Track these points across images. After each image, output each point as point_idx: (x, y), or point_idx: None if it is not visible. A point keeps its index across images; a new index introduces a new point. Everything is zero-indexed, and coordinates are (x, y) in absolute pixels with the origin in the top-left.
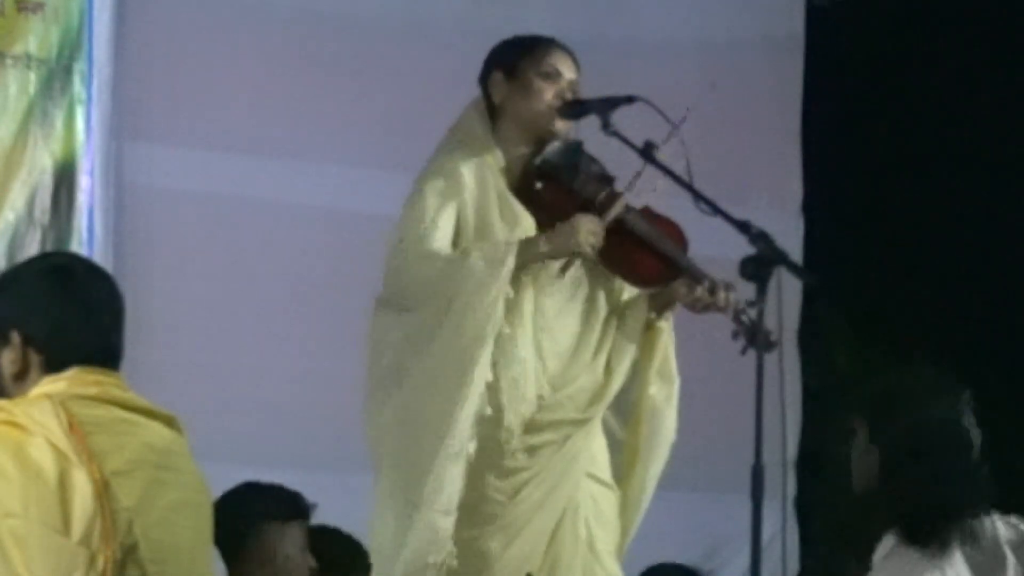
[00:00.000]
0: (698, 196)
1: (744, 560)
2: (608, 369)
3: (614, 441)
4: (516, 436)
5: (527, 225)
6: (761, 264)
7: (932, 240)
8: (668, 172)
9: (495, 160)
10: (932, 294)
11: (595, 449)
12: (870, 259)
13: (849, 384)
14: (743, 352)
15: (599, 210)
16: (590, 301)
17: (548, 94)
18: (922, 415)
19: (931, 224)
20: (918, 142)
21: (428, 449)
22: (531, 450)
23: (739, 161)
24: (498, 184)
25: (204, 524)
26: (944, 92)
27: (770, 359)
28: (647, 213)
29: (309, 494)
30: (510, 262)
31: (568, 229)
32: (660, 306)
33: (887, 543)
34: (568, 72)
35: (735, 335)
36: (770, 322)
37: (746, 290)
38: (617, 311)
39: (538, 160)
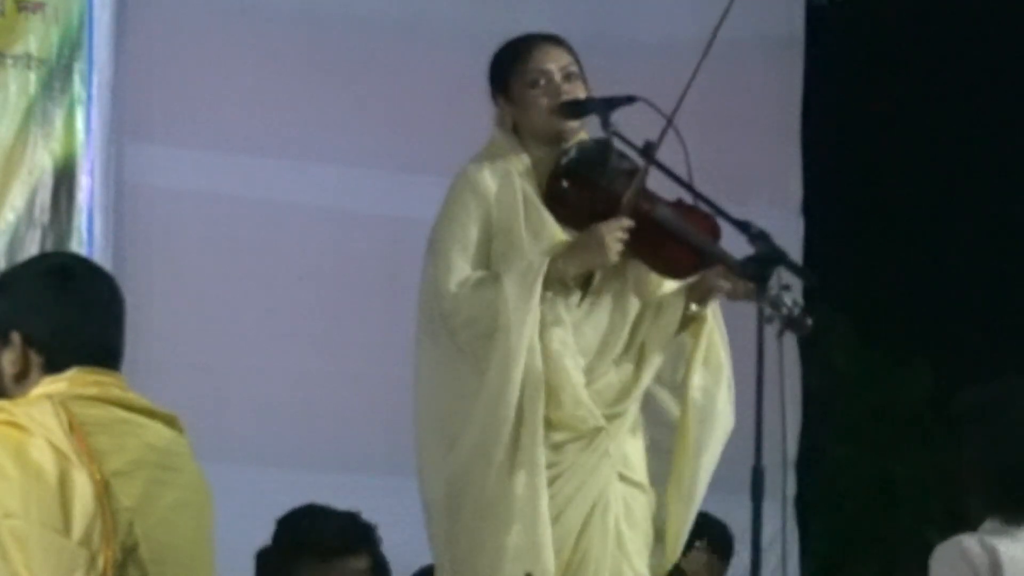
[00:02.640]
0: (698, 196)
1: (744, 560)
2: (639, 363)
3: (670, 425)
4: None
5: (552, 231)
6: (761, 264)
7: (932, 240)
8: (668, 172)
9: (520, 162)
10: (932, 294)
11: (628, 450)
12: (870, 259)
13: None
14: (779, 335)
15: (626, 206)
16: (618, 298)
17: (541, 101)
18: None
19: (931, 224)
20: (918, 142)
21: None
22: (556, 447)
23: (739, 161)
24: (524, 186)
25: (205, 524)
26: (944, 92)
27: (770, 360)
28: (678, 205)
29: (309, 494)
30: (539, 288)
31: (594, 243)
32: (700, 295)
33: (985, 527)
34: (553, 63)
35: (769, 319)
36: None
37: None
38: (653, 305)
39: (564, 159)
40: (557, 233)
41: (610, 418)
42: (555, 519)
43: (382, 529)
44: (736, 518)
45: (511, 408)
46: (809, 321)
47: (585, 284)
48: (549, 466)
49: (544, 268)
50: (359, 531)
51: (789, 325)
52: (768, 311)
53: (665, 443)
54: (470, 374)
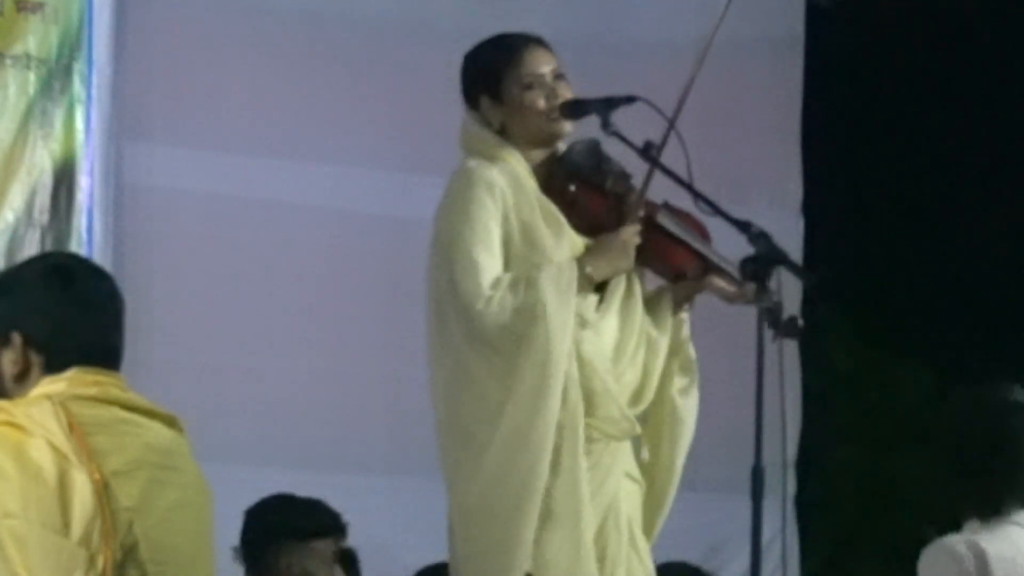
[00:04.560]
0: (698, 196)
1: (744, 560)
2: (646, 365)
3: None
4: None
5: (569, 232)
6: (761, 264)
7: (932, 239)
8: (668, 172)
9: (520, 164)
10: (932, 293)
11: (628, 447)
12: (870, 259)
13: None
14: (774, 340)
15: (630, 209)
16: (625, 301)
17: (539, 102)
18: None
19: (931, 224)
20: (918, 141)
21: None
22: (587, 449)
23: (739, 161)
24: (532, 185)
25: (205, 524)
26: (944, 91)
27: (770, 359)
28: (667, 208)
29: (309, 494)
30: (574, 290)
31: (620, 247)
32: (682, 298)
33: (966, 527)
34: (546, 66)
35: (769, 324)
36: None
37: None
38: (647, 304)
39: (566, 162)
40: (573, 236)
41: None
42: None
43: (383, 529)
44: (736, 518)
45: (553, 412)
46: (800, 322)
47: (598, 288)
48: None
49: (576, 273)
50: (330, 515)
51: (783, 332)
52: (764, 313)
53: None
54: (491, 376)
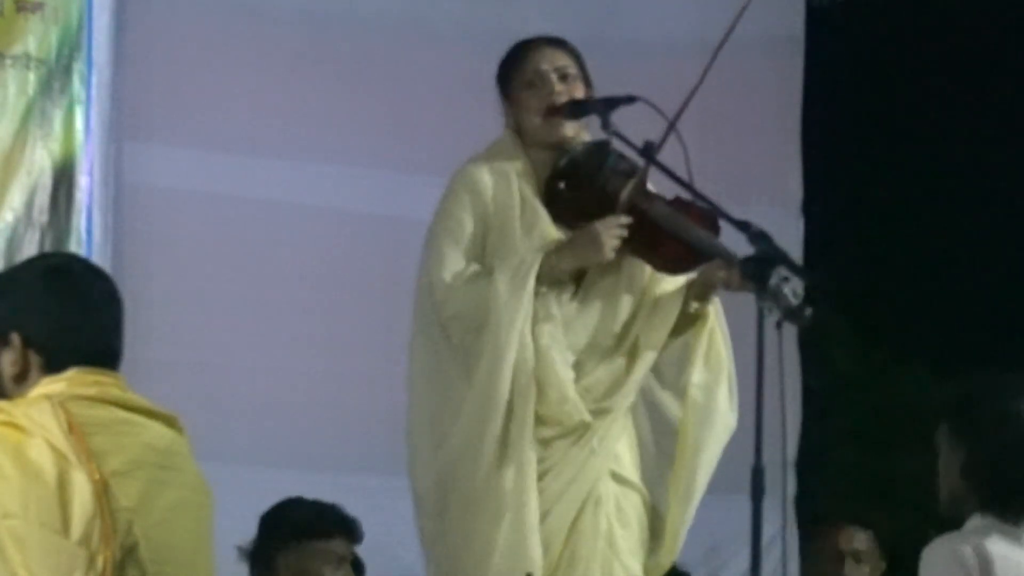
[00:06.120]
0: (698, 196)
1: (744, 560)
2: (631, 359)
3: (674, 429)
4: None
5: (544, 228)
6: (761, 264)
7: (932, 240)
8: (668, 172)
9: (519, 163)
10: (932, 293)
11: (620, 449)
12: (870, 259)
13: (852, 385)
14: (778, 326)
15: (623, 204)
16: (610, 294)
17: (532, 101)
18: (1003, 409)
19: (931, 223)
20: (917, 142)
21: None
22: (545, 442)
23: (739, 161)
24: (522, 186)
25: (205, 524)
26: (944, 91)
27: (770, 360)
28: (676, 201)
29: (309, 494)
30: (531, 284)
31: (590, 240)
32: (701, 291)
33: (971, 525)
34: (548, 63)
35: (769, 310)
36: (769, 324)
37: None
38: (649, 303)
39: (562, 161)
40: (550, 230)
41: (599, 413)
42: (544, 515)
43: (383, 529)
44: (736, 518)
45: (501, 403)
46: (808, 311)
47: (578, 280)
48: (538, 461)
49: (537, 264)
50: (337, 517)
51: (788, 316)
52: (768, 304)
53: (669, 447)
54: (460, 371)
